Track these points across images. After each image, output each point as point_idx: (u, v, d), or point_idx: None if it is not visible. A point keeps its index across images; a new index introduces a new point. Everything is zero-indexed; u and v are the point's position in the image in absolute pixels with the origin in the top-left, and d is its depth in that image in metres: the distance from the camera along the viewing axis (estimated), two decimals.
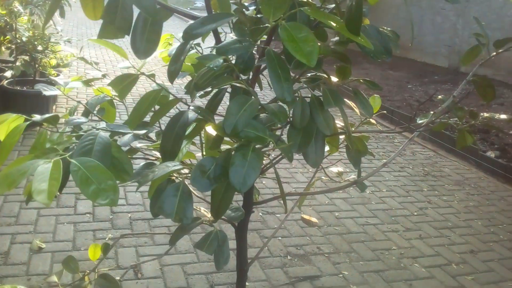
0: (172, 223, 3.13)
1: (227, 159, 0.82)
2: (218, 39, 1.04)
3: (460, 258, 3.05)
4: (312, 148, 0.96)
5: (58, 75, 4.95)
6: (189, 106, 0.97)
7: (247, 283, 2.63)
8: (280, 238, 3.09)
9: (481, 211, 3.78)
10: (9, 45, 4.59)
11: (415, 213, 3.62)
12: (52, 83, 4.89)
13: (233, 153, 0.81)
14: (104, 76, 1.34)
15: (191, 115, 0.95)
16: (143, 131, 1.02)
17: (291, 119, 0.94)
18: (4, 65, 4.82)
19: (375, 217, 3.49)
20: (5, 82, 4.51)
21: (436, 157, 5.02)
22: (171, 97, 1.10)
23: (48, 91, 1.24)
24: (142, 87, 6.39)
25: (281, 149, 0.88)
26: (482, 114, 1.28)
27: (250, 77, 1.04)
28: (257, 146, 0.82)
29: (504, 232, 3.46)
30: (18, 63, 4.35)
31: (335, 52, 1.00)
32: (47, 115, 1.10)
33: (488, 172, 4.71)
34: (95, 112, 1.24)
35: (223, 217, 1.20)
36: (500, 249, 3.22)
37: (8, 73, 4.51)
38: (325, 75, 1.11)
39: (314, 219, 1.61)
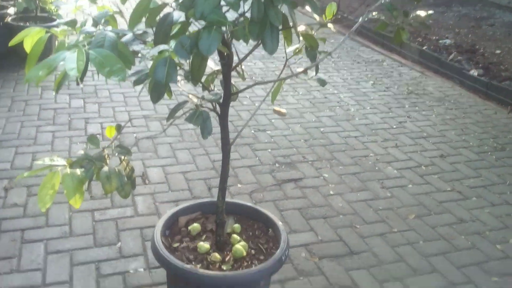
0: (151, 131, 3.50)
1: (197, 36, 1.15)
2: None
3: (430, 161, 3.43)
4: (268, 37, 1.28)
5: (57, 10, 5.18)
6: (174, 9, 1.28)
7: (239, 185, 3.03)
8: (270, 150, 3.46)
9: (456, 123, 4.13)
10: None
11: (394, 126, 3.97)
12: (53, 18, 5.06)
13: (201, 32, 1.15)
14: None
15: (176, 15, 1.26)
16: (141, 32, 1.33)
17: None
18: (6, 2, 5.03)
19: (357, 131, 3.84)
20: (9, 19, 4.75)
21: (421, 77, 5.30)
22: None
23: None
24: None
25: (236, 31, 1.21)
26: (413, 13, 1.57)
27: None
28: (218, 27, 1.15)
29: (474, 140, 3.82)
30: (20, 0, 4.57)
31: None
32: (67, 20, 1.41)
33: (470, 90, 5.00)
34: (102, 23, 1.54)
35: (205, 101, 1.54)
36: (468, 153, 3.60)
37: (11, 10, 4.74)
38: None
39: (283, 110, 1.94)
